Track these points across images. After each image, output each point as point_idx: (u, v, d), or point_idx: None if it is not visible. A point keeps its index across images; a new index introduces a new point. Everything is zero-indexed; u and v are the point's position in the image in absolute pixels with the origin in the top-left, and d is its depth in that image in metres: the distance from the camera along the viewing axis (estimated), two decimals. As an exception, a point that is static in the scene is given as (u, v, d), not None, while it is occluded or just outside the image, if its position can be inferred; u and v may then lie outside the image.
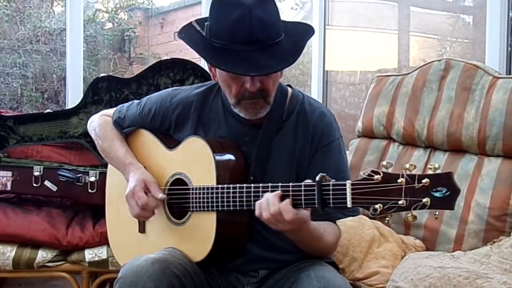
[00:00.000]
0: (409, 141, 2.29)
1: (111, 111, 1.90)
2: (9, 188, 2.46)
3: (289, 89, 1.70)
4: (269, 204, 1.40)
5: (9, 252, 2.27)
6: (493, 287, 1.60)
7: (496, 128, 2.04)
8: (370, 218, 2.05)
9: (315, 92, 3.34)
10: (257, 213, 1.43)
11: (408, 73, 2.35)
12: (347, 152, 2.35)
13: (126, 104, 1.87)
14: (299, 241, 1.55)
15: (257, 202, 1.43)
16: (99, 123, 1.88)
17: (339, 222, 1.66)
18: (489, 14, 2.58)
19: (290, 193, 1.41)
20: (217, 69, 1.59)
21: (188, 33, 1.59)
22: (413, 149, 2.27)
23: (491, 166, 2.05)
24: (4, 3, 3.74)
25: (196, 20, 1.60)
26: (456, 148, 2.16)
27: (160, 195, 1.62)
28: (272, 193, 1.41)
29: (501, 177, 2.01)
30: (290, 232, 1.48)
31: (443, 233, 2.05)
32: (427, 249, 2.05)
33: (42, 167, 2.48)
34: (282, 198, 1.40)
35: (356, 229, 1.98)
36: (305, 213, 1.40)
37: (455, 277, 1.65)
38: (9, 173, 2.46)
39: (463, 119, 2.12)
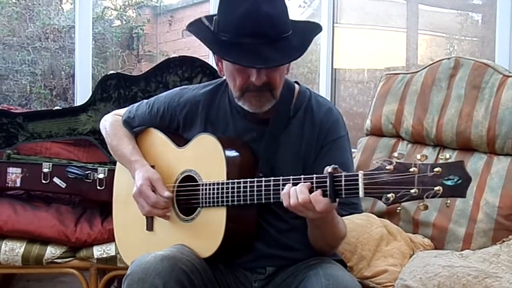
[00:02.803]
0: (418, 140, 2.28)
1: (122, 111, 1.93)
2: (18, 184, 2.47)
3: (296, 86, 1.71)
4: (297, 192, 1.40)
5: (18, 248, 2.28)
6: (502, 286, 1.60)
7: (505, 127, 2.03)
8: (379, 215, 2.05)
9: (323, 90, 3.33)
10: (285, 203, 1.42)
11: (417, 71, 2.34)
12: (355, 150, 2.34)
13: (136, 104, 1.89)
14: (319, 228, 1.54)
15: (282, 193, 1.43)
16: (110, 122, 1.90)
17: (347, 220, 1.65)
18: (499, 12, 2.56)
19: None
20: (223, 63, 1.60)
21: (196, 28, 1.60)
22: (422, 147, 2.26)
23: (500, 165, 2.04)
24: (14, 1, 3.76)
25: (205, 16, 1.62)
26: (465, 147, 2.15)
27: (166, 193, 1.63)
28: (300, 184, 1.41)
29: (511, 176, 2.00)
30: (316, 219, 1.47)
31: (452, 231, 2.04)
32: (436, 248, 2.05)
33: (51, 163, 2.48)
34: (311, 189, 1.40)
35: (364, 227, 1.97)
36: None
37: (464, 276, 1.64)
38: (19, 170, 2.47)
39: (472, 117, 2.11)
